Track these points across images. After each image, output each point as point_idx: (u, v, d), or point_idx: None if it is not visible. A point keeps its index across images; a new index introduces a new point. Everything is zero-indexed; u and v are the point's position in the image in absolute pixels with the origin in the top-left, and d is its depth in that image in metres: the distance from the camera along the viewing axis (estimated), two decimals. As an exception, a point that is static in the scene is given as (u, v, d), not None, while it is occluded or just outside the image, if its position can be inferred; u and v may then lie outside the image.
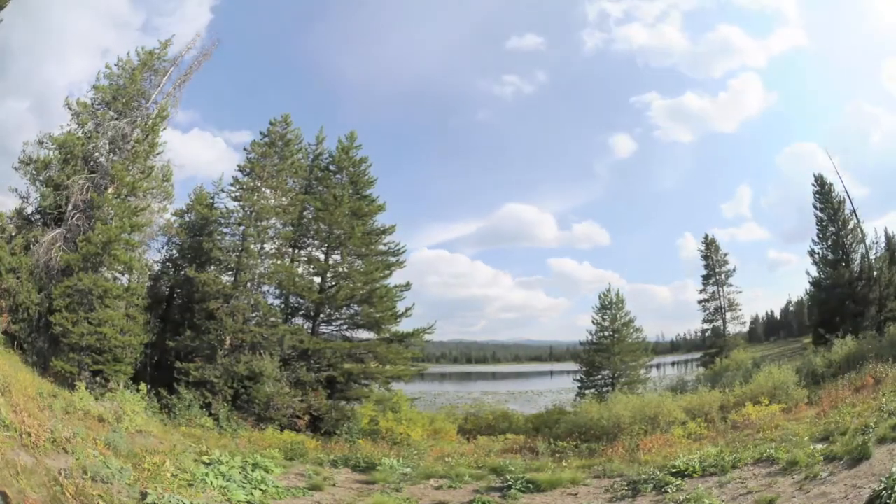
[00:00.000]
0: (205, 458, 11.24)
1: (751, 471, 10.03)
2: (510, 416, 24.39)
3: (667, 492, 9.78)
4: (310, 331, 23.49)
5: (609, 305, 28.61)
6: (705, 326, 35.44)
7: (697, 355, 38.65)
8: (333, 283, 23.99)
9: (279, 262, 23.04)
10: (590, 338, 28.92)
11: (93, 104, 19.85)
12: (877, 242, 26.84)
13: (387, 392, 23.30)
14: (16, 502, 5.94)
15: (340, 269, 24.17)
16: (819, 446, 9.98)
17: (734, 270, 35.18)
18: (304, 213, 24.33)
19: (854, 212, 27.39)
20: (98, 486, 7.41)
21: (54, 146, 18.93)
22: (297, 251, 24.66)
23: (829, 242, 27.87)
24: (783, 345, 41.26)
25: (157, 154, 20.61)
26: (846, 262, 27.10)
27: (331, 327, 24.49)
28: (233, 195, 22.83)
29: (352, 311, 24.10)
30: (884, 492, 6.36)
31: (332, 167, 25.50)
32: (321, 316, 24.05)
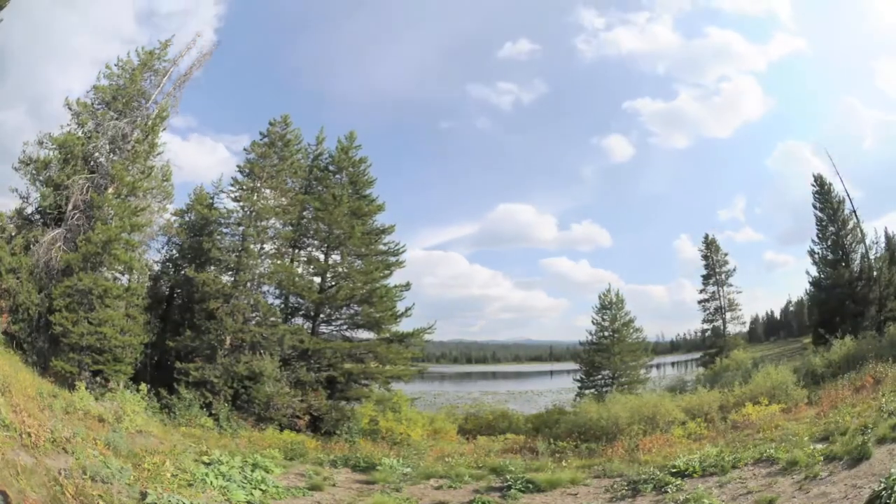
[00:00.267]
0: (205, 458, 11.25)
1: (751, 471, 10.04)
2: (510, 416, 24.39)
3: (667, 492, 9.79)
4: (310, 331, 23.49)
5: (609, 305, 28.60)
6: (705, 326, 35.44)
7: (697, 355, 38.62)
8: (333, 283, 23.99)
9: (279, 262, 23.04)
10: (590, 338, 28.92)
11: (93, 104, 19.85)
12: (877, 242, 26.86)
13: (387, 392, 23.30)
14: (16, 502, 5.94)
15: (340, 269, 24.17)
16: (819, 446, 9.99)
17: (734, 270, 35.18)
18: (304, 213, 24.32)
19: (854, 212, 27.41)
20: (98, 486, 7.41)
21: (54, 146, 18.93)
22: (296, 251, 24.66)
23: (829, 242, 27.85)
24: (783, 345, 41.25)
25: (157, 154, 20.63)
26: (846, 262, 27.09)
27: (331, 327, 24.51)
28: (232, 195, 22.88)
29: (352, 311, 24.11)
30: (884, 492, 6.36)
31: (331, 167, 25.49)
32: (321, 316, 24.06)
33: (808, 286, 29.33)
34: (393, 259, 25.24)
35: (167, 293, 23.37)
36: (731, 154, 68.98)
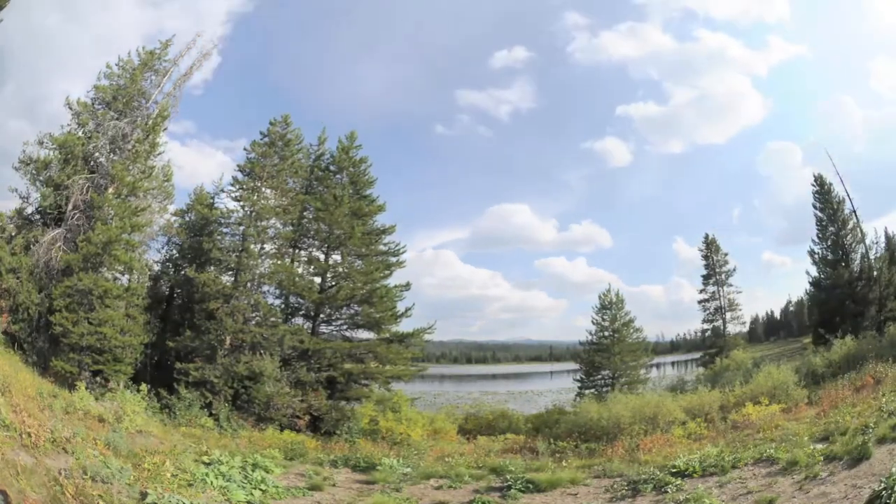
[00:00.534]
0: (205, 458, 11.24)
1: (751, 471, 10.04)
2: (510, 416, 24.36)
3: (667, 492, 9.79)
4: (310, 331, 23.49)
5: (609, 305, 28.58)
6: (705, 326, 35.36)
7: (697, 355, 38.58)
8: (333, 283, 23.99)
9: (279, 262, 23.04)
10: (590, 338, 28.92)
11: (93, 104, 19.86)
12: (877, 242, 26.82)
13: (387, 392, 23.29)
14: (16, 502, 5.94)
15: (340, 269, 24.17)
16: (819, 446, 9.99)
17: (734, 270, 35.14)
18: (305, 213, 24.32)
19: (854, 212, 27.38)
20: (98, 486, 7.41)
21: (54, 146, 18.94)
22: (297, 251, 24.66)
23: (829, 242, 27.82)
24: (783, 345, 41.20)
25: (158, 154, 20.66)
26: (846, 262, 27.07)
27: (331, 327, 24.50)
28: (233, 195, 22.85)
29: (352, 311, 24.10)
30: (884, 492, 6.35)
31: (332, 167, 25.49)
32: (321, 316, 24.06)
33: (807, 286, 29.37)
34: (393, 259, 25.25)
35: (167, 293, 23.38)
36: (724, 157, 69.10)
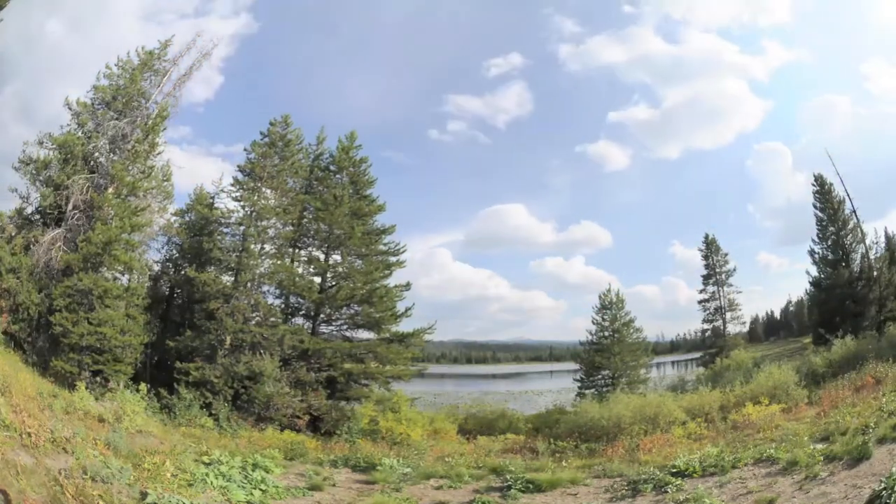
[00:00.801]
0: (205, 458, 11.25)
1: (751, 471, 10.04)
2: (510, 416, 24.36)
3: (667, 492, 9.79)
4: (310, 331, 23.50)
5: (609, 305, 28.59)
6: (705, 326, 35.43)
7: (697, 355, 38.60)
8: (333, 283, 23.99)
9: (279, 262, 23.04)
10: (590, 338, 28.92)
11: (93, 104, 19.84)
12: (877, 242, 26.84)
13: (387, 392, 23.29)
14: (16, 502, 5.95)
15: (340, 269, 24.18)
16: (819, 446, 9.98)
17: (734, 270, 35.16)
18: (305, 213, 24.32)
19: (854, 212, 27.37)
20: (98, 486, 7.41)
21: (54, 146, 18.92)
22: (297, 251, 24.66)
23: (829, 242, 27.83)
24: (783, 345, 41.18)
25: (158, 154, 20.65)
26: (846, 262, 27.07)
27: (331, 327, 24.50)
28: (233, 195, 22.83)
29: (352, 311, 24.10)
30: (884, 492, 6.35)
31: (332, 167, 25.49)
32: (321, 316, 24.06)
33: (808, 286, 29.38)
34: (393, 259, 25.26)
35: (167, 293, 23.39)
36: (719, 161, 69.46)
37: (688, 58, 63.74)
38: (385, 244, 25.43)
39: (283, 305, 23.61)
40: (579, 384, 28.86)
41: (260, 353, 20.43)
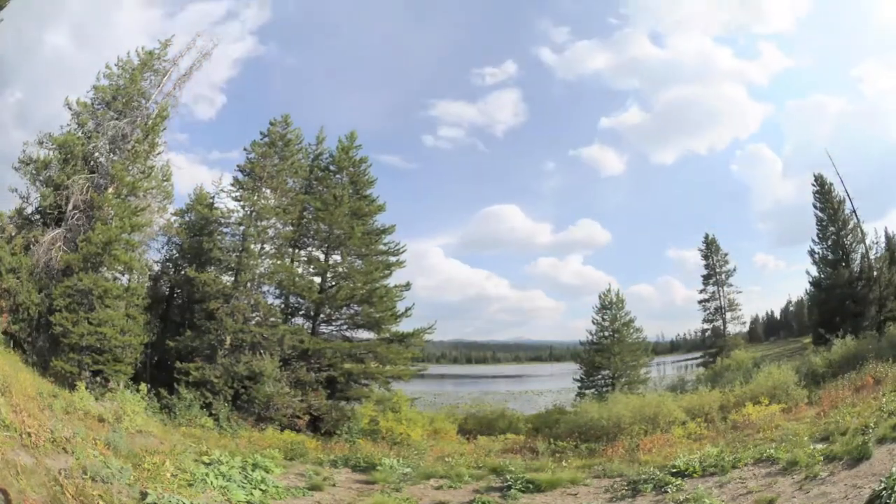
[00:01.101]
0: (205, 458, 11.25)
1: (751, 471, 10.04)
2: (510, 416, 24.35)
3: (667, 492, 9.79)
4: (310, 331, 23.49)
5: (609, 305, 28.58)
6: (705, 326, 35.47)
7: (697, 355, 38.62)
8: (333, 283, 23.99)
9: (279, 262, 23.03)
10: (590, 338, 28.91)
11: (93, 104, 19.84)
12: (877, 242, 26.84)
13: (387, 392, 23.28)
14: (16, 502, 5.95)
15: (340, 269, 24.17)
16: (819, 446, 9.98)
17: (734, 270, 35.18)
18: (304, 213, 24.31)
19: (854, 212, 27.38)
20: (98, 486, 7.41)
21: (54, 146, 18.92)
22: (297, 251, 24.64)
23: (829, 242, 27.83)
24: (783, 345, 41.19)
25: (157, 154, 20.64)
26: (846, 262, 27.07)
27: (331, 327, 24.50)
28: (233, 195, 22.82)
29: (352, 311, 24.10)
30: (884, 492, 6.35)
31: (332, 167, 25.48)
32: (321, 316, 24.05)
33: (808, 286, 29.38)
34: (393, 259, 25.25)
35: (167, 293, 23.38)
36: (713, 165, 69.97)
37: (684, 61, 64.10)
38: (385, 244, 25.44)
39: (283, 305, 23.61)
40: (579, 384, 28.85)
41: (260, 353, 20.43)
